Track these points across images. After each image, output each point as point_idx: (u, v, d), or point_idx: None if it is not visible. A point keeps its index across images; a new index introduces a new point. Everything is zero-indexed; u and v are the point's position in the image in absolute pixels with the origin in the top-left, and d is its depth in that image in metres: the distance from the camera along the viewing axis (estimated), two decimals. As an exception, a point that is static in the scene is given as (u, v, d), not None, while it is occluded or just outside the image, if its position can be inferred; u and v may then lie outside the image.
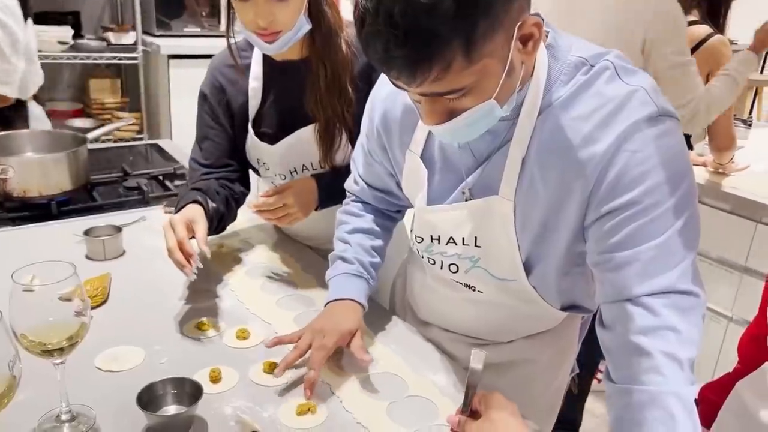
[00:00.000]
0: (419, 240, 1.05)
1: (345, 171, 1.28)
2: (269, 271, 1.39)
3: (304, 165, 1.38)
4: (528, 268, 0.96)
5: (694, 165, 2.30)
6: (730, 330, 2.24)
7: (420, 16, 0.68)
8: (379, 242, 1.19)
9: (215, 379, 1.00)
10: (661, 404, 0.74)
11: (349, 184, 1.24)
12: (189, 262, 1.16)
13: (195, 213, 1.24)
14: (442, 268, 1.05)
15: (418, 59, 0.71)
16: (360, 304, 1.10)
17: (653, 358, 0.76)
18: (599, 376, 2.55)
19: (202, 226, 1.22)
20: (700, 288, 0.79)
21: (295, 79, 1.30)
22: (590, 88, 0.82)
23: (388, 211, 1.24)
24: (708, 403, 1.03)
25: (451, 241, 0.99)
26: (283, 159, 1.38)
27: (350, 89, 1.29)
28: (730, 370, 1.02)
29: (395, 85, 0.78)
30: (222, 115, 1.39)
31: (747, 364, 0.96)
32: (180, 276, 1.31)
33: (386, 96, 1.05)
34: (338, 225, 1.22)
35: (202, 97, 1.39)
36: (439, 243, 1.02)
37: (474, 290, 1.04)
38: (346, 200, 1.25)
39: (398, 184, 1.12)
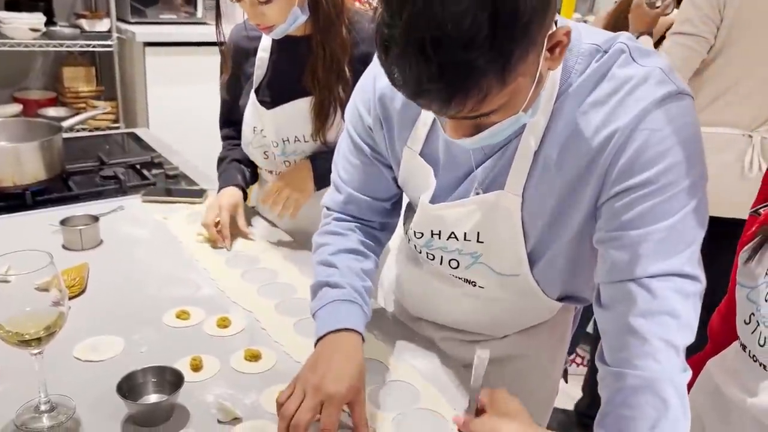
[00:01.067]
0: (419, 236, 1.00)
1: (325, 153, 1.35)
2: (250, 260, 1.38)
3: (296, 136, 1.42)
4: (533, 260, 0.93)
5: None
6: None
7: (456, 49, 0.63)
8: (368, 264, 1.06)
9: (196, 367, 1.00)
10: (654, 390, 0.75)
11: (326, 199, 1.12)
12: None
13: (238, 199, 1.48)
14: (441, 264, 1.01)
15: (453, 92, 0.67)
16: (359, 334, 0.95)
17: (650, 343, 0.76)
18: (577, 360, 2.59)
19: (242, 216, 1.47)
20: (702, 273, 0.79)
21: (298, 54, 1.36)
22: (606, 74, 0.81)
23: (374, 229, 1.11)
24: None
25: (453, 236, 0.96)
26: (277, 125, 1.43)
27: (348, 71, 1.33)
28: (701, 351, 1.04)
29: (432, 111, 0.75)
30: (233, 79, 1.50)
31: (717, 343, 0.98)
32: (159, 265, 1.32)
33: (385, 88, 0.97)
34: (316, 249, 1.07)
35: (231, 55, 1.47)
36: (440, 238, 0.98)
37: (474, 285, 1.01)
38: (324, 221, 1.11)
39: (385, 179, 1.06)
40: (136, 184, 1.72)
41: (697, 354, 1.01)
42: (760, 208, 0.89)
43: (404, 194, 1.09)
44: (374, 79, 0.99)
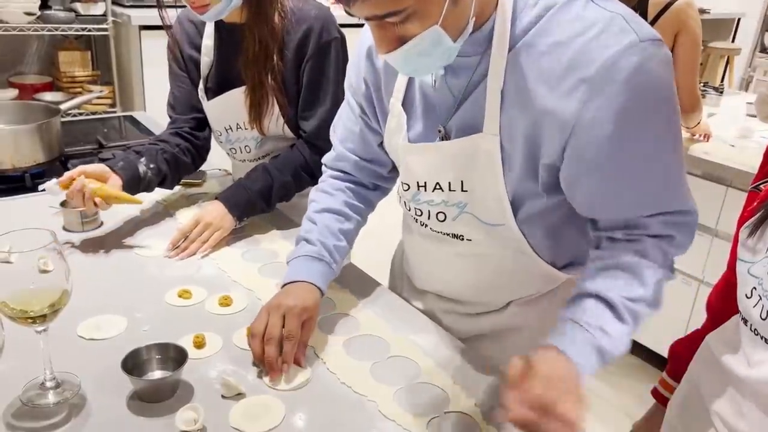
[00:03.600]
0: (405, 188, 1.03)
1: (247, 179, 1.39)
2: (250, 240, 1.39)
3: (238, 124, 1.45)
4: (516, 207, 0.94)
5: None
6: (701, 292, 2.30)
7: None
8: (348, 225, 1.14)
9: (199, 344, 1.01)
10: (635, 266, 0.88)
11: (325, 156, 1.22)
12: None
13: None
14: (429, 218, 1.03)
15: None
16: (317, 287, 1.05)
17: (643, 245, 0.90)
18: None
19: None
20: (693, 203, 0.91)
21: (237, 42, 1.35)
22: (567, 13, 0.82)
23: (365, 189, 1.19)
24: (678, 358, 1.06)
25: (438, 187, 0.98)
26: (217, 115, 1.47)
27: (277, 59, 1.33)
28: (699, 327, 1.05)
29: (347, 12, 0.79)
30: (181, 63, 1.48)
31: (715, 319, 0.99)
32: (159, 246, 1.32)
33: (368, 49, 1.05)
34: (309, 203, 1.17)
35: (167, 46, 1.47)
36: (425, 190, 1.00)
37: (462, 239, 1.02)
38: (322, 177, 1.21)
39: (381, 145, 1.11)
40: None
41: (695, 330, 1.02)
42: (761, 183, 0.89)
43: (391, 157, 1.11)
44: (360, 44, 1.06)
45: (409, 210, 1.06)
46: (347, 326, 1.10)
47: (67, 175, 1.26)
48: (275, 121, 1.41)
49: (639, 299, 0.88)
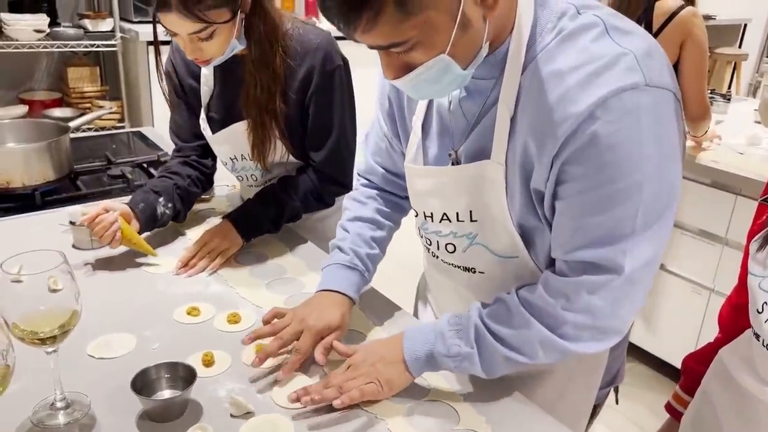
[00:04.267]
0: (415, 214, 1.03)
1: (257, 200, 1.40)
2: (257, 256, 1.39)
3: (242, 155, 1.44)
4: (528, 239, 0.90)
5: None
6: (712, 301, 2.28)
7: None
8: (380, 233, 1.15)
9: (208, 362, 1.01)
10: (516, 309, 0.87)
11: (358, 165, 1.23)
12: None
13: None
14: (438, 249, 1.01)
15: (347, 9, 0.72)
16: (348, 297, 1.07)
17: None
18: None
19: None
20: (633, 266, 0.81)
21: (238, 71, 1.33)
22: (575, 42, 0.78)
23: (397, 197, 1.18)
24: (691, 371, 1.05)
25: (445, 218, 0.96)
26: (222, 147, 1.47)
27: (279, 101, 1.32)
28: (712, 341, 1.04)
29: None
30: (180, 92, 1.47)
31: (728, 333, 0.98)
32: (168, 263, 1.33)
33: None
34: (343, 211, 1.20)
35: (165, 74, 1.45)
36: (432, 221, 0.98)
37: (474, 272, 0.99)
38: (355, 185, 1.23)
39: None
40: (143, 183, 1.73)
41: (708, 343, 1.01)
42: None
43: None
44: None
45: (421, 238, 1.05)
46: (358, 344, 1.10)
47: (94, 212, 1.28)
48: (279, 155, 1.41)
49: (499, 335, 0.88)
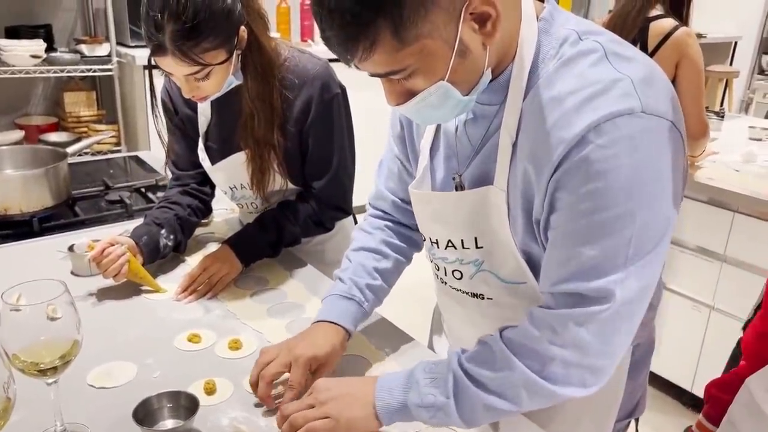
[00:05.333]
0: (423, 238, 1.02)
1: (256, 225, 1.39)
2: (258, 280, 1.38)
3: (242, 184, 1.44)
4: (533, 266, 0.88)
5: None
6: (713, 318, 2.28)
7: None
8: (385, 264, 1.11)
9: (210, 390, 1.00)
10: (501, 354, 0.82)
11: (370, 194, 1.20)
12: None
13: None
14: (446, 275, 1.00)
15: (344, 38, 0.73)
16: (342, 327, 1.04)
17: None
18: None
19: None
20: (621, 291, 0.77)
21: (237, 103, 1.32)
22: (573, 68, 0.78)
23: (408, 229, 1.15)
24: (715, 400, 1.03)
25: (450, 245, 0.95)
26: (221, 177, 1.47)
27: (278, 134, 1.32)
28: (725, 363, 1.02)
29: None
30: (177, 121, 1.47)
31: (754, 361, 0.94)
32: (167, 288, 1.32)
33: None
34: (351, 241, 1.17)
35: (161, 103, 1.45)
36: (438, 247, 0.97)
37: (483, 299, 0.96)
38: (365, 215, 1.21)
39: None
40: (142, 207, 1.73)
41: (732, 371, 0.99)
42: None
43: None
44: None
45: (431, 263, 1.04)
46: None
47: (101, 246, 1.27)
48: (279, 184, 1.40)
49: (480, 380, 0.83)
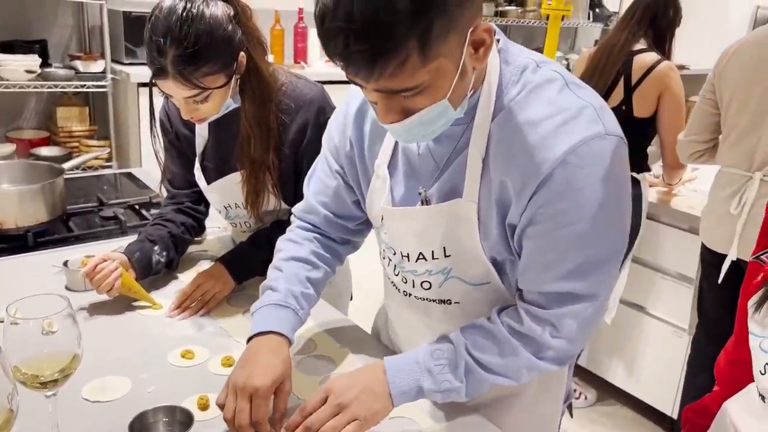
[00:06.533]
0: (392, 253, 1.06)
1: (250, 243, 1.42)
2: (250, 298, 1.41)
3: (236, 203, 1.47)
4: (498, 267, 0.98)
5: (650, 186, 2.41)
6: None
7: (379, 12, 0.72)
8: (316, 274, 1.13)
9: (204, 406, 1.02)
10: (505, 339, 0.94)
11: (295, 207, 1.22)
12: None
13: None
14: (414, 287, 1.05)
15: (376, 54, 0.75)
16: (285, 336, 1.03)
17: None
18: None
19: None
20: (603, 293, 0.93)
21: (234, 124, 1.36)
22: (542, 94, 0.88)
23: (334, 242, 1.19)
24: (692, 424, 1.04)
25: (422, 257, 1.01)
26: (216, 197, 1.49)
27: (273, 156, 1.35)
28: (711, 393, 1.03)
29: (353, 82, 0.82)
30: (173, 140, 1.50)
31: (727, 387, 0.95)
32: (161, 304, 1.34)
33: (357, 111, 1.07)
34: (276, 252, 1.17)
35: (159, 122, 1.48)
36: (408, 260, 1.03)
37: (450, 303, 1.04)
38: (290, 227, 1.21)
39: (356, 202, 1.13)
40: (136, 224, 1.75)
41: (707, 396, 1.00)
42: (763, 254, 0.87)
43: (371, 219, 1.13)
44: (347, 105, 1.10)
45: (397, 275, 1.08)
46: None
47: (93, 262, 1.29)
48: (273, 204, 1.43)
49: (489, 365, 0.95)
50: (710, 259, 2.03)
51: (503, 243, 0.95)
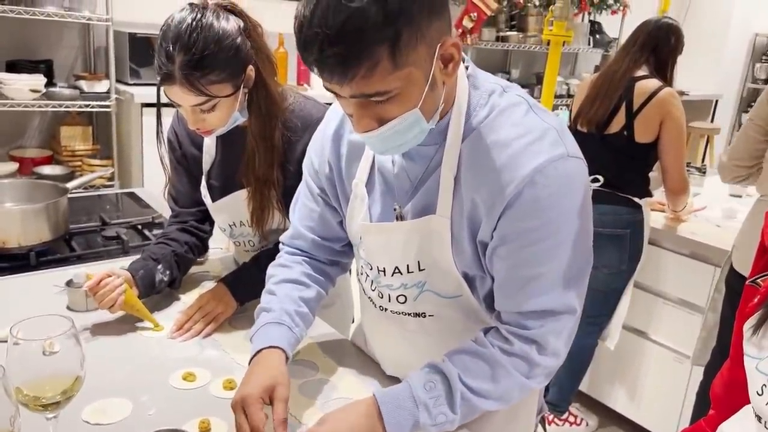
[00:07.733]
0: (369, 268, 1.09)
1: (252, 264, 1.42)
2: (251, 320, 1.39)
3: (241, 221, 1.47)
4: (470, 280, 1.02)
5: (653, 210, 2.41)
6: (695, 370, 2.31)
7: (351, 19, 0.78)
8: (308, 293, 1.16)
9: (205, 429, 1.01)
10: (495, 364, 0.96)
11: (283, 235, 1.25)
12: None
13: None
14: (389, 301, 1.09)
15: (349, 56, 0.80)
16: (281, 349, 1.05)
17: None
18: (570, 419, 2.59)
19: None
20: (578, 305, 0.97)
21: (241, 143, 1.37)
22: (509, 116, 0.93)
23: (323, 264, 1.22)
24: None
25: (397, 271, 1.05)
26: (221, 214, 1.50)
27: (278, 172, 1.36)
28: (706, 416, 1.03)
29: (329, 89, 0.86)
30: (180, 159, 1.50)
31: (723, 410, 0.95)
32: (163, 326, 1.33)
33: (334, 133, 1.12)
34: (267, 279, 1.20)
35: (167, 141, 1.49)
36: (385, 275, 1.06)
37: (425, 317, 1.07)
38: (279, 254, 1.24)
39: (341, 223, 1.16)
40: (138, 244, 1.75)
41: (702, 420, 1.00)
42: (759, 278, 0.89)
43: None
44: (324, 128, 1.15)
45: (374, 290, 1.11)
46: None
47: (98, 277, 1.29)
48: (277, 222, 1.44)
49: (483, 392, 0.96)
50: (741, 287, 1.99)
51: (475, 259, 0.99)
